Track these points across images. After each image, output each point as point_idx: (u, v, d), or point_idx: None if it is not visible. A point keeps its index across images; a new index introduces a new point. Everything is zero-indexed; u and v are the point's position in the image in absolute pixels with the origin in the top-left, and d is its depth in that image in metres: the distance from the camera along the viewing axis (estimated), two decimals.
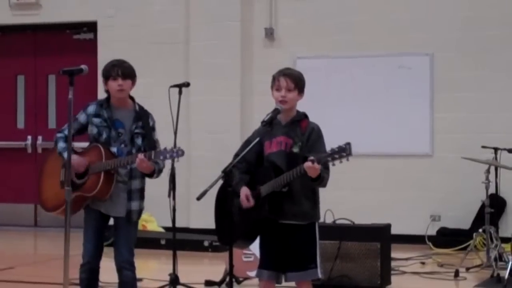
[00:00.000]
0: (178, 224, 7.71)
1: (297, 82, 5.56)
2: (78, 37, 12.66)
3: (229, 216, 5.48)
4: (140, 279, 8.28)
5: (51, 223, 11.59)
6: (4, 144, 12.93)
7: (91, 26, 12.45)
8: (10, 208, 12.74)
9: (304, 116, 5.60)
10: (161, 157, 5.84)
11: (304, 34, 11.51)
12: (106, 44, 12.04)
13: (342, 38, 11.34)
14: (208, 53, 11.65)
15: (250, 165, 5.61)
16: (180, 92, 7.57)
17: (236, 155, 5.64)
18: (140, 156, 5.80)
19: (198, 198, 5.39)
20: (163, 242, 10.57)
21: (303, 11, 11.54)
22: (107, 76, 6.04)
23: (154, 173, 6.00)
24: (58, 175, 6.14)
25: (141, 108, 6.17)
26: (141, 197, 6.12)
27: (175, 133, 7.38)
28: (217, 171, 5.48)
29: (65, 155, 6.00)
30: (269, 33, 11.64)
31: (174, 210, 7.33)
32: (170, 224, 7.56)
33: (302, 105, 5.56)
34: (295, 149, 5.45)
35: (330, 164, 5.22)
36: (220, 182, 5.49)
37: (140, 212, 6.12)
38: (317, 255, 5.53)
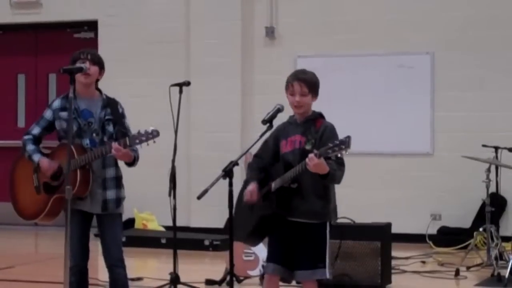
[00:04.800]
0: (179, 223, 7.70)
1: (311, 86, 5.58)
2: (79, 36, 12.65)
3: (241, 212, 5.51)
4: (141, 278, 8.32)
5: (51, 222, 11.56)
6: (4, 143, 12.90)
7: (92, 25, 12.45)
8: (10, 207, 12.66)
9: (320, 115, 5.61)
10: (137, 141, 5.59)
11: (305, 33, 11.50)
12: (107, 43, 12.04)
13: (343, 37, 11.32)
14: (209, 52, 11.63)
15: (266, 163, 5.61)
16: (180, 91, 7.56)
17: (255, 156, 5.67)
18: (114, 145, 5.59)
19: (199, 197, 5.39)
20: (163, 241, 10.58)
21: (303, 10, 11.52)
22: (74, 61, 5.82)
23: (135, 160, 5.81)
24: (31, 181, 5.97)
25: (108, 97, 5.97)
26: (118, 185, 5.90)
27: (176, 132, 7.38)
28: (218, 170, 5.47)
29: (35, 157, 5.91)
30: (270, 32, 11.63)
31: (174, 209, 7.31)
32: (170, 223, 7.54)
33: None
34: (308, 146, 5.42)
35: (332, 156, 5.17)
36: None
37: (117, 201, 5.90)
38: (327, 255, 5.50)
